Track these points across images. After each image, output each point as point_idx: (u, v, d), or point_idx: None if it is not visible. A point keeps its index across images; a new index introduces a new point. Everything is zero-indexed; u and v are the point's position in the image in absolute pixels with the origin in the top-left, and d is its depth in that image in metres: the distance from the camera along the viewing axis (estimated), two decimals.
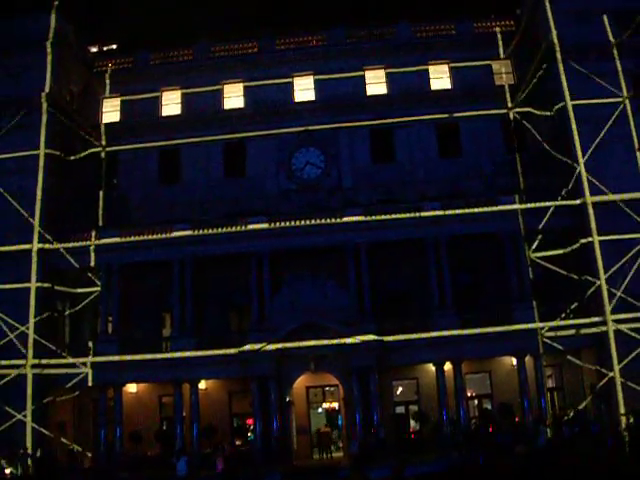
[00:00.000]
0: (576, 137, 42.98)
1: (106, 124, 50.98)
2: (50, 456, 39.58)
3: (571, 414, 40.39)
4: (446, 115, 48.64)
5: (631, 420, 35.77)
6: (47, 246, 43.98)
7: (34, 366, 41.91)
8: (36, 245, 43.70)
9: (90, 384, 42.33)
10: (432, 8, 56.95)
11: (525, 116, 47.77)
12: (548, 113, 45.76)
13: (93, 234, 44.69)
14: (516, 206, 42.71)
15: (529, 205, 42.74)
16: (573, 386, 42.72)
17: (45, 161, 45.24)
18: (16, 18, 47.89)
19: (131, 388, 44.25)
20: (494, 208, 42.68)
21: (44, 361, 42.29)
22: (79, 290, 46.17)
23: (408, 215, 43.03)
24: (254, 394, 41.11)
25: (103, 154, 50.10)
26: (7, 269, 43.13)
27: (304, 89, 50.59)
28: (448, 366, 41.23)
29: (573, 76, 43.77)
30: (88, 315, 46.49)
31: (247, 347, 41.01)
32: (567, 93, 43.69)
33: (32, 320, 42.43)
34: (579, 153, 42.73)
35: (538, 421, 38.30)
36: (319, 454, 42.73)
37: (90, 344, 43.78)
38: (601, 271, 40.88)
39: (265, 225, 43.59)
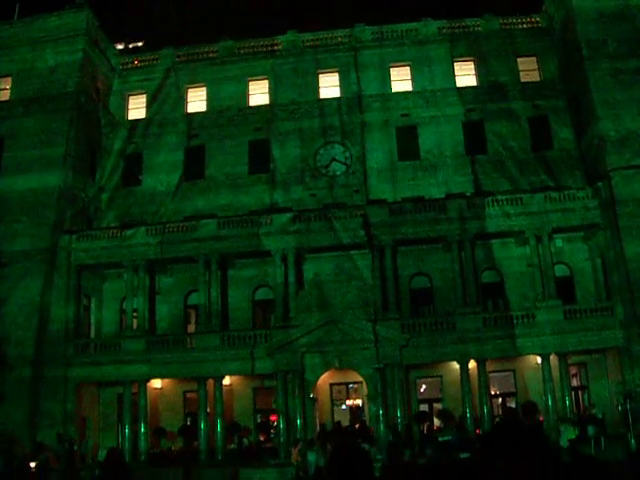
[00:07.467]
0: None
1: (131, 120, 51.33)
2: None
3: (593, 412, 40.25)
4: (471, 112, 48.39)
5: None
6: (73, 243, 44.25)
7: (59, 362, 42.23)
8: (62, 241, 44.03)
9: (115, 379, 42.62)
10: (457, 4, 56.56)
11: (551, 113, 47.49)
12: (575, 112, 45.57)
13: (118, 230, 44.93)
14: (541, 204, 42.40)
15: (554, 203, 42.34)
16: (598, 385, 42.41)
17: (71, 158, 45.59)
18: (44, 15, 48.29)
19: (155, 384, 44.45)
20: (519, 206, 42.44)
21: (69, 357, 42.63)
22: (104, 286, 46.53)
23: (433, 213, 42.92)
24: (278, 391, 41.23)
25: (128, 151, 50.40)
26: (34, 266, 43.46)
27: (329, 86, 50.61)
28: (472, 364, 41.03)
29: (601, 73, 43.46)
30: (113, 311, 46.86)
31: (271, 344, 41.21)
32: (594, 90, 43.42)
33: (59, 316, 42.74)
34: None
35: (561, 420, 38.00)
36: None
37: (115, 340, 44.15)
38: None
39: (289, 222, 43.63)
